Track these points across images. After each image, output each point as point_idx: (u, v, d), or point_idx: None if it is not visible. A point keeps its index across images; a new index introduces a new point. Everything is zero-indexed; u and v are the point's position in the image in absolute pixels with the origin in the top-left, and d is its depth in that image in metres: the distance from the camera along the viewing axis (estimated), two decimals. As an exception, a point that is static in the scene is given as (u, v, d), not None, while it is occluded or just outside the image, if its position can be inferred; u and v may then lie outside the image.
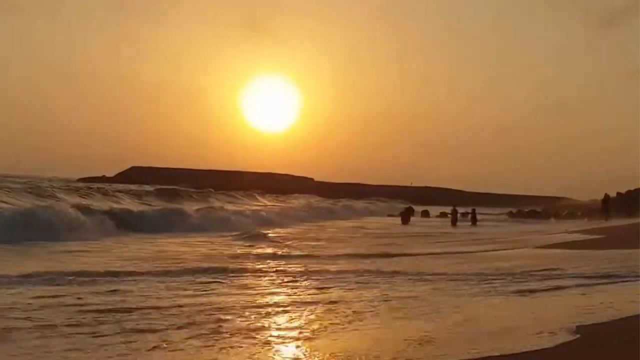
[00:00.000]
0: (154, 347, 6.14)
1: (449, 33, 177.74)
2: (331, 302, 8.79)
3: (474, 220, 49.33)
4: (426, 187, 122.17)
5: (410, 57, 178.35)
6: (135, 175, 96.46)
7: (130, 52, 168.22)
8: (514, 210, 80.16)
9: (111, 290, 9.74)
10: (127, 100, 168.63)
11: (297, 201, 66.39)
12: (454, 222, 48.11)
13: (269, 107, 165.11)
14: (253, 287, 10.54)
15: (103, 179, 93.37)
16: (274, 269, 13.48)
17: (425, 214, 64.79)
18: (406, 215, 48.99)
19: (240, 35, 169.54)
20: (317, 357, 5.70)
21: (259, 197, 65.31)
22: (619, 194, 55.89)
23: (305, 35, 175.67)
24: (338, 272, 12.77)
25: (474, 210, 50.96)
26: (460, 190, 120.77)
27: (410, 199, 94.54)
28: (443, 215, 60.76)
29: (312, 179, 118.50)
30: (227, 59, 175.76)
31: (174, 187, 59.05)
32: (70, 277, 10.99)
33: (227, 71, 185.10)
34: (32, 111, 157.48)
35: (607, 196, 48.03)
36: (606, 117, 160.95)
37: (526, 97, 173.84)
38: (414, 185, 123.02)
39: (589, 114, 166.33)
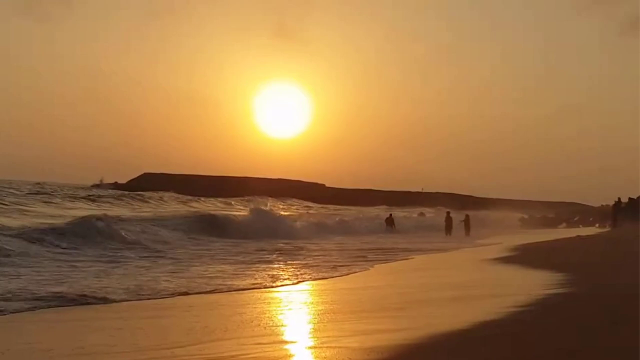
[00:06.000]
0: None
1: (459, 40, 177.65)
2: None
3: (467, 229, 43.19)
4: (437, 193, 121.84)
5: (421, 63, 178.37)
6: (148, 181, 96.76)
7: (143, 57, 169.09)
8: (526, 216, 80.00)
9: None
10: (138, 106, 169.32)
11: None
12: (448, 230, 42.47)
13: (281, 112, 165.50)
14: None
15: (116, 185, 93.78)
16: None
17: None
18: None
19: (256, 42, 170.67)
20: None
21: None
22: (630, 199, 55.22)
23: (320, 43, 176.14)
24: None
25: (467, 216, 45.07)
26: (471, 196, 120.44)
27: (421, 205, 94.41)
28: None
29: (323, 185, 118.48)
30: (239, 65, 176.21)
31: None
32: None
33: (240, 77, 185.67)
34: (43, 116, 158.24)
35: (618, 201, 47.47)
36: (622, 121, 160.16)
37: (541, 102, 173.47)
38: (425, 191, 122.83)
39: (604, 119, 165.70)
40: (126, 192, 67.72)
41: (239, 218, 37.16)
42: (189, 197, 71.69)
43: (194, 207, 53.57)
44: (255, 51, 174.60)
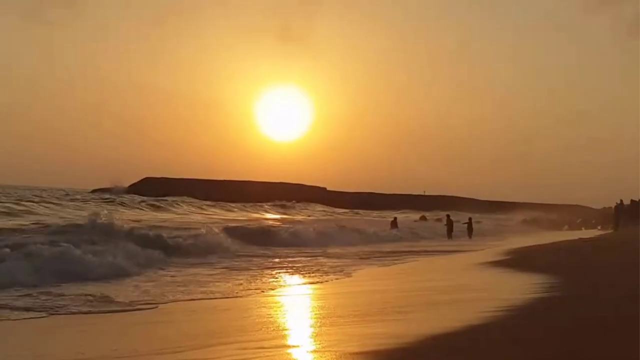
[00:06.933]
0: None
1: (464, 43, 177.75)
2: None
3: (469, 231, 43.98)
4: (438, 196, 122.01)
5: (425, 66, 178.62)
6: (149, 186, 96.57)
7: (145, 60, 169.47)
8: (529, 219, 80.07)
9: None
10: (140, 109, 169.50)
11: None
12: (449, 233, 42.26)
13: (282, 116, 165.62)
14: None
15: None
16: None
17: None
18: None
19: (259, 45, 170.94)
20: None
21: None
22: (632, 201, 55.09)
23: (323, 46, 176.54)
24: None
25: (470, 219, 45.79)
26: (474, 199, 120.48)
27: (423, 208, 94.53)
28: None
29: (324, 189, 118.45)
30: (241, 68, 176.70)
31: None
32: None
33: (243, 80, 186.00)
34: (43, 119, 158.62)
35: (619, 204, 47.29)
36: (624, 123, 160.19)
37: (542, 105, 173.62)
38: (427, 194, 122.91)
39: (606, 121, 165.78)
40: (152, 198, 67.45)
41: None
42: (209, 203, 71.55)
43: (246, 216, 54.72)
44: (258, 54, 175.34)
